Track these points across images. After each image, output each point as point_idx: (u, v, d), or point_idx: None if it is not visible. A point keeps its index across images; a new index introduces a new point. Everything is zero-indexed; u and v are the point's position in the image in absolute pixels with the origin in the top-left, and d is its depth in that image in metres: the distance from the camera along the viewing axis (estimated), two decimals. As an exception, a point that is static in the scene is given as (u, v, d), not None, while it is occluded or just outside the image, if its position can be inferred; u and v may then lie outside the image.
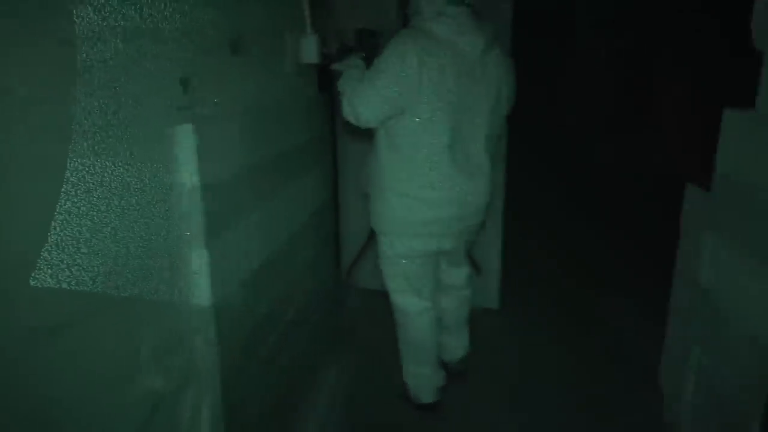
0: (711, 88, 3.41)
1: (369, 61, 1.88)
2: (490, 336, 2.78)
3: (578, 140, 7.51)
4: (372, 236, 2.29)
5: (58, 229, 0.83)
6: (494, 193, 2.07)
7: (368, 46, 2.07)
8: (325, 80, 2.22)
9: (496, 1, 2.53)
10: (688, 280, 1.89)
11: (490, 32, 1.80)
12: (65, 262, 0.85)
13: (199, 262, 1.26)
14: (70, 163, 0.85)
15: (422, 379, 2.21)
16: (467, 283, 2.33)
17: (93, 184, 0.90)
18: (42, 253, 0.81)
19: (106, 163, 0.94)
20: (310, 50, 1.96)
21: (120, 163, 0.98)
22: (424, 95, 1.68)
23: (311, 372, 2.23)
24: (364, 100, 1.74)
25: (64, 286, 0.85)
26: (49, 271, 0.82)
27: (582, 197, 5.65)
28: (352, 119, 1.81)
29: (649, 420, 2.12)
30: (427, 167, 1.80)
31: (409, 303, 2.11)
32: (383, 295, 2.22)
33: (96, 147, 0.91)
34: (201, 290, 1.27)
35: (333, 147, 3.12)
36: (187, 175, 1.20)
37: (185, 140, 1.18)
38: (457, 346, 2.41)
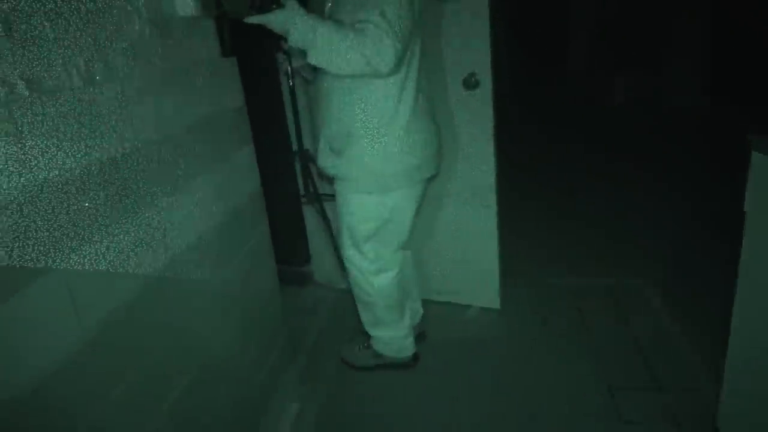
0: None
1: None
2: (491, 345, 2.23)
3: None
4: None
5: None
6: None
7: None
8: (227, 39, 1.57)
9: None
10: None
11: None
12: None
13: None
14: None
15: (399, 340, 2.09)
16: None
17: None
18: None
19: None
20: (183, -3, 1.32)
21: None
22: (417, 22, 1.60)
23: (258, 417, 1.70)
24: (385, 45, 1.46)
25: None
26: None
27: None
28: (367, 70, 1.52)
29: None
30: (420, 101, 1.72)
31: (395, 259, 1.96)
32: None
33: None
34: None
35: (274, 119, 2.51)
36: None
37: None
38: (418, 305, 2.28)
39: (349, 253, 1.94)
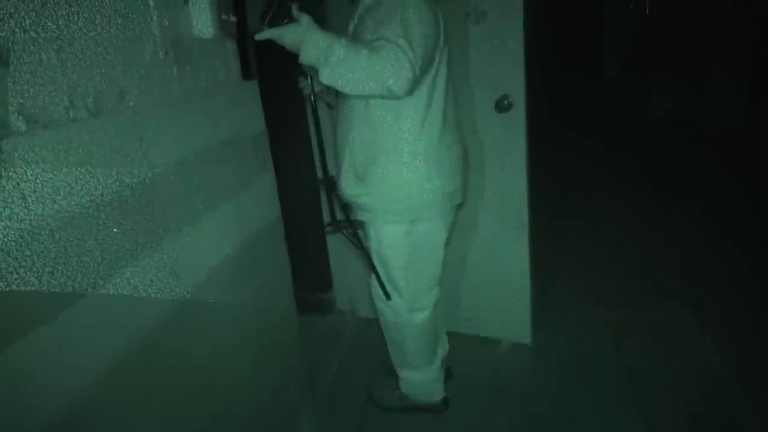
0: None
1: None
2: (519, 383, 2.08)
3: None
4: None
5: None
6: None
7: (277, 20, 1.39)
8: (249, 60, 1.50)
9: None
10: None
11: None
12: None
13: None
14: None
15: (428, 384, 1.96)
16: None
17: None
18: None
19: None
20: (201, 18, 1.25)
21: None
22: (443, 44, 1.53)
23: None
24: (403, 66, 1.34)
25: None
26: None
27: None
28: (381, 92, 1.40)
29: None
30: (447, 119, 1.62)
31: (430, 297, 1.82)
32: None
33: None
34: None
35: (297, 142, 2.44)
36: None
37: None
38: (444, 340, 2.10)
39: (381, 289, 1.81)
